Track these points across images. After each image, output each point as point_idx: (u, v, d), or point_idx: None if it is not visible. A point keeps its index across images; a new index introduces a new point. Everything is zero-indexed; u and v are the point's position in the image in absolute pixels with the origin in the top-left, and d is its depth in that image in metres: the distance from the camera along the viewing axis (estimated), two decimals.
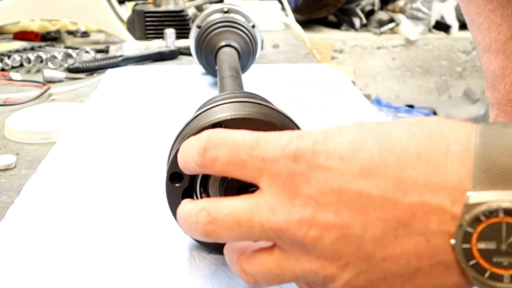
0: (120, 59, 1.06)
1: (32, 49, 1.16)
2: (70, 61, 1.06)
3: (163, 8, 1.33)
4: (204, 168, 0.31)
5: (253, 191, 0.39)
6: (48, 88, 0.89)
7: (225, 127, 0.39)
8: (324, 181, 0.27)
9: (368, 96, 2.14)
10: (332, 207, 0.27)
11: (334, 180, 0.27)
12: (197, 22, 0.90)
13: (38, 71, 1.04)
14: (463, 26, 2.58)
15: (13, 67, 1.05)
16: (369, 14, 2.64)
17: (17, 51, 1.13)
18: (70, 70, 1.00)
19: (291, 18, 1.57)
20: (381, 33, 2.59)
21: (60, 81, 0.97)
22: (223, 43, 0.83)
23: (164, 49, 1.15)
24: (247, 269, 0.31)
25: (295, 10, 2.06)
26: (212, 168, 0.31)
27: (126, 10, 1.50)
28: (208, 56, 0.87)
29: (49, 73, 0.97)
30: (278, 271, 0.30)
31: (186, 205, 0.32)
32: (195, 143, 0.31)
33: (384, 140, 0.28)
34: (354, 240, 0.27)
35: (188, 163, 0.32)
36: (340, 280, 0.28)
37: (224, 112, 0.40)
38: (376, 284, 0.28)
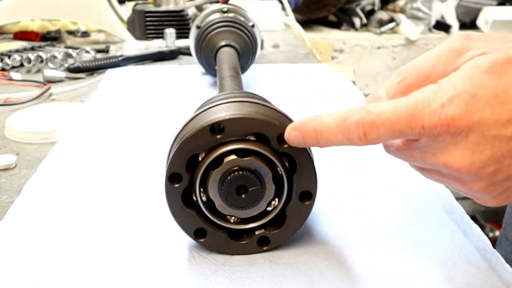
0: (120, 59, 1.06)
1: (32, 49, 1.16)
2: (70, 61, 1.06)
3: (163, 8, 1.33)
4: (366, 145, 0.36)
5: (252, 191, 0.40)
6: (48, 88, 0.89)
7: (223, 127, 0.39)
8: (480, 133, 0.33)
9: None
10: (487, 152, 0.34)
11: (488, 131, 0.33)
12: (196, 22, 0.89)
13: (38, 71, 1.04)
14: (463, 26, 2.58)
15: (13, 67, 1.05)
16: (369, 14, 2.64)
17: (17, 51, 1.13)
18: (70, 70, 1.00)
19: (291, 18, 1.57)
20: (381, 33, 2.58)
21: (60, 81, 0.97)
22: (222, 43, 0.83)
23: (164, 49, 1.15)
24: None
25: (295, 10, 2.06)
26: (376, 144, 0.36)
27: (126, 10, 1.50)
28: (207, 56, 0.86)
29: (49, 73, 0.97)
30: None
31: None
32: (347, 127, 0.35)
33: None
34: (504, 170, 0.34)
35: (343, 143, 0.36)
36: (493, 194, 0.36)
37: (223, 112, 0.40)
38: None
